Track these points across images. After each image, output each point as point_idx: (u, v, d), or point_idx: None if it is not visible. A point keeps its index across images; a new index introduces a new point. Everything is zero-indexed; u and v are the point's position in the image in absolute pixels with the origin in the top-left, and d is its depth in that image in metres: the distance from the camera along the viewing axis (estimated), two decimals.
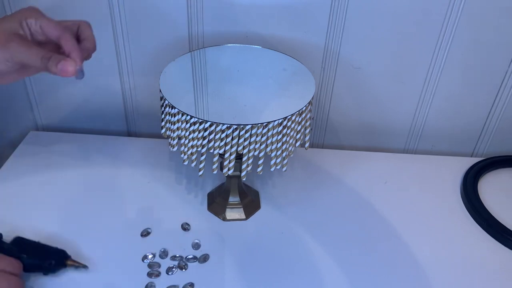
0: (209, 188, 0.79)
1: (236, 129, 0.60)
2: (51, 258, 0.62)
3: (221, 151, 0.62)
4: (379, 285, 0.65)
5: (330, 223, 0.74)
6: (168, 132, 0.66)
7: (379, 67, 0.83)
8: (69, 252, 0.64)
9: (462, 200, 0.80)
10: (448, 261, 0.69)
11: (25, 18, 0.55)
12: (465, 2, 0.75)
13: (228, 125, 0.59)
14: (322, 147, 0.94)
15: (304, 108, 0.63)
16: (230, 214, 0.74)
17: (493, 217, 0.75)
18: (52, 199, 0.75)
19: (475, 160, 0.87)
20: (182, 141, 0.63)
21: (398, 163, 0.87)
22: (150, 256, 0.67)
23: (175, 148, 0.66)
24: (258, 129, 0.60)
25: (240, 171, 0.64)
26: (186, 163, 0.65)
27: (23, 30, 0.56)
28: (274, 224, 0.74)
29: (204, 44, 0.82)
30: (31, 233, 0.68)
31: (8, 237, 0.63)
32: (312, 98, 0.65)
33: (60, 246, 0.65)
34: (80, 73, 0.54)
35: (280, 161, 0.64)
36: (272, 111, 0.62)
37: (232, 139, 0.61)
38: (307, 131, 0.68)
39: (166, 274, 0.65)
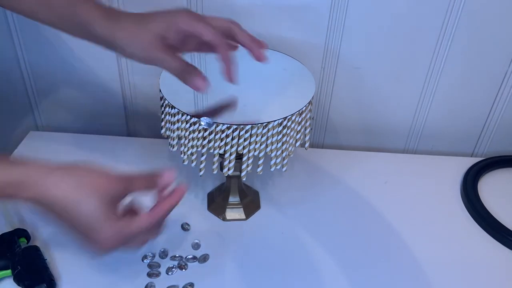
0: (209, 188, 0.79)
1: (236, 129, 0.60)
2: (43, 282, 0.60)
3: (221, 151, 0.62)
4: (379, 285, 0.65)
5: (330, 223, 0.74)
6: (168, 132, 0.66)
7: (379, 67, 0.83)
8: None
9: (462, 200, 0.80)
10: (448, 261, 0.69)
11: (177, 25, 0.55)
12: (465, 2, 0.75)
13: (228, 125, 0.59)
14: (322, 147, 0.94)
15: (304, 108, 0.63)
16: (230, 214, 0.74)
17: (493, 217, 0.75)
18: None
19: (475, 160, 0.87)
20: (182, 141, 0.63)
21: (398, 163, 0.87)
22: (150, 257, 0.67)
23: (175, 148, 0.66)
24: (258, 129, 0.60)
25: (240, 171, 0.64)
26: (186, 163, 0.65)
27: (170, 35, 0.55)
28: (274, 224, 0.74)
29: None
30: (31, 233, 0.68)
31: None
32: (312, 98, 0.65)
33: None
34: (209, 124, 0.58)
35: (280, 161, 0.64)
36: (272, 111, 0.62)
37: (232, 139, 0.61)
38: (307, 131, 0.68)
39: (166, 274, 0.65)
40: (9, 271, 0.62)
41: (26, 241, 0.66)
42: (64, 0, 0.58)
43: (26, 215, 0.71)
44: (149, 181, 0.55)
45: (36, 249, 0.64)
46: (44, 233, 0.69)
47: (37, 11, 0.59)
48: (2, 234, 0.66)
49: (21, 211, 0.72)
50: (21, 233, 0.66)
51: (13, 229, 0.67)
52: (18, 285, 0.60)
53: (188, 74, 0.55)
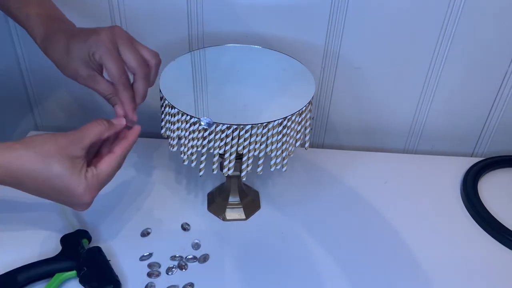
0: (209, 188, 0.79)
1: (236, 129, 0.60)
2: (110, 284, 0.61)
3: (221, 151, 0.62)
4: (379, 285, 0.65)
5: (330, 223, 0.74)
6: (168, 132, 0.66)
7: (379, 67, 0.83)
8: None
9: (462, 200, 0.80)
10: (448, 261, 0.69)
11: (92, 54, 0.58)
12: (465, 2, 0.75)
13: (228, 125, 0.59)
14: (322, 147, 0.94)
15: (304, 108, 0.63)
16: (230, 214, 0.74)
17: (493, 217, 0.75)
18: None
19: (475, 160, 0.87)
20: (182, 141, 0.63)
21: (398, 163, 0.87)
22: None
23: (175, 148, 0.66)
24: (258, 129, 0.60)
25: (240, 171, 0.64)
26: (186, 163, 0.65)
27: (92, 62, 0.59)
28: (274, 224, 0.74)
29: (204, 44, 0.82)
30: (31, 233, 0.68)
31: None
32: (312, 98, 0.65)
33: (60, 246, 0.65)
34: (209, 125, 0.59)
35: (280, 161, 0.64)
36: (272, 111, 0.62)
37: (232, 139, 0.61)
38: (307, 131, 0.68)
39: (166, 274, 0.65)
40: (74, 273, 0.62)
41: (88, 242, 0.67)
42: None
43: (85, 216, 0.72)
44: (102, 128, 0.57)
45: (99, 250, 0.65)
46: (103, 233, 0.70)
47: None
48: (66, 235, 0.66)
49: (80, 212, 0.72)
50: (83, 234, 0.67)
51: (74, 230, 0.67)
52: (84, 286, 0.61)
53: (113, 103, 0.61)
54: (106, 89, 0.60)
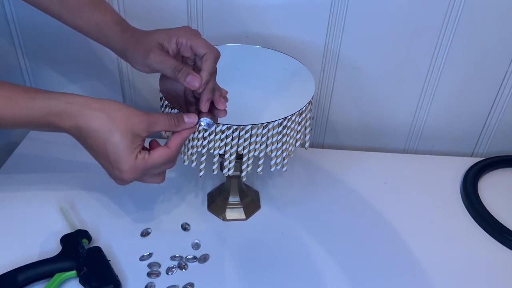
0: (209, 188, 0.79)
1: (236, 129, 0.60)
2: (110, 284, 0.61)
3: (221, 151, 0.62)
4: (379, 285, 0.65)
5: (330, 223, 0.74)
6: (168, 133, 0.66)
7: (379, 67, 0.83)
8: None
9: (462, 200, 0.80)
10: (448, 260, 0.69)
11: (177, 37, 0.60)
12: (465, 2, 0.75)
13: (228, 125, 0.59)
14: (322, 147, 0.94)
15: (304, 108, 0.63)
16: (230, 214, 0.74)
17: (493, 217, 0.75)
18: (51, 199, 0.75)
19: (475, 160, 0.87)
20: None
21: (398, 163, 0.87)
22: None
23: None
24: (258, 129, 0.60)
25: (240, 171, 0.64)
26: (186, 163, 0.65)
27: (169, 45, 0.61)
28: (274, 224, 0.74)
29: None
30: (41, 233, 0.68)
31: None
32: (312, 98, 0.65)
33: (60, 246, 0.65)
34: (209, 125, 0.59)
35: (280, 161, 0.64)
36: (272, 111, 0.62)
37: (232, 139, 0.61)
38: (307, 131, 0.67)
39: (166, 274, 0.65)
40: (74, 272, 0.62)
41: (88, 242, 0.67)
42: (86, 2, 0.64)
43: (85, 216, 0.72)
44: (172, 122, 0.58)
45: (99, 250, 0.65)
46: (104, 233, 0.70)
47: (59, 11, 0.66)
48: (66, 235, 0.66)
49: (80, 212, 0.73)
50: (83, 234, 0.67)
51: (74, 230, 0.67)
52: (84, 286, 0.61)
53: (183, 73, 0.58)
54: (174, 61, 0.60)
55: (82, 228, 0.68)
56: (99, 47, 0.83)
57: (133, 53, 0.61)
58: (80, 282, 0.61)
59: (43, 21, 0.81)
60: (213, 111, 0.62)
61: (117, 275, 0.62)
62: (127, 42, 0.62)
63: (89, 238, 0.67)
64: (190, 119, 0.59)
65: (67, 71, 0.88)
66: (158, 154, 0.57)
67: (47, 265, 0.62)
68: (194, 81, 0.58)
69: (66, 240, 0.66)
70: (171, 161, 0.59)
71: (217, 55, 0.61)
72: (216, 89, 0.62)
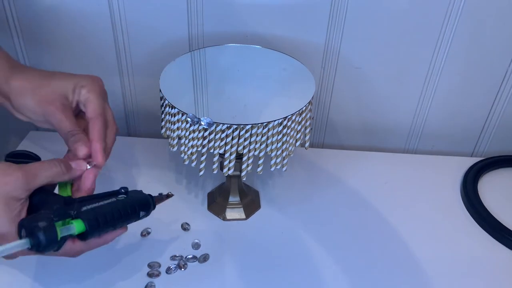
0: (209, 188, 0.79)
1: (236, 129, 0.60)
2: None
3: (221, 151, 0.62)
4: (379, 285, 0.65)
5: (330, 223, 0.74)
6: (168, 132, 0.66)
7: (379, 67, 0.83)
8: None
9: (462, 200, 0.80)
10: (448, 261, 0.69)
11: (80, 86, 0.56)
12: (465, 2, 0.75)
13: (228, 125, 0.59)
14: (322, 147, 0.94)
15: (304, 108, 0.63)
16: (230, 214, 0.74)
17: (493, 217, 0.75)
18: None
19: (475, 160, 0.87)
20: (182, 141, 0.63)
21: (398, 163, 0.87)
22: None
23: (175, 148, 0.66)
24: (258, 129, 0.60)
25: (240, 171, 0.64)
26: (186, 163, 0.65)
27: (72, 95, 0.56)
28: (274, 224, 0.74)
29: (204, 44, 0.82)
30: None
31: None
32: (312, 98, 0.65)
33: None
34: (209, 124, 0.57)
35: (280, 161, 0.64)
36: (272, 111, 0.62)
37: (232, 139, 0.61)
38: (307, 131, 0.68)
39: (166, 274, 0.65)
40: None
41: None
42: None
43: None
44: (60, 169, 0.52)
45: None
46: None
47: None
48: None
49: None
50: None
51: None
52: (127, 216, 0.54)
53: (74, 140, 0.54)
54: (71, 125, 0.55)
55: None
56: (99, 46, 0.84)
57: (20, 93, 0.54)
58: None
59: (42, 17, 0.81)
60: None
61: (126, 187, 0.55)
62: (10, 77, 0.55)
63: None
64: (78, 165, 0.53)
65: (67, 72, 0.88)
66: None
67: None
68: (80, 150, 0.53)
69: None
70: None
71: (106, 128, 0.56)
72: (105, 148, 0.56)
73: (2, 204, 0.46)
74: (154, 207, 0.57)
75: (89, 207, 0.51)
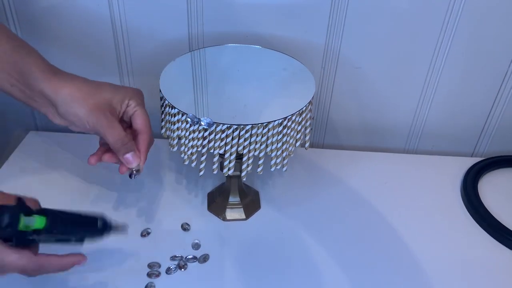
0: (209, 188, 0.79)
1: (236, 129, 0.60)
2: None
3: (221, 151, 0.62)
4: (379, 285, 0.65)
5: (330, 223, 0.74)
6: (168, 132, 0.66)
7: (379, 67, 0.83)
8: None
9: (462, 200, 0.80)
10: (448, 261, 0.69)
11: (129, 98, 0.59)
12: (465, 2, 0.75)
13: (228, 125, 0.59)
14: (322, 147, 0.94)
15: (304, 108, 0.63)
16: (230, 214, 0.74)
17: (493, 217, 0.75)
18: (52, 199, 0.74)
19: (475, 160, 0.87)
20: (182, 141, 0.63)
21: (398, 163, 0.87)
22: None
23: (175, 148, 0.66)
24: (258, 129, 0.60)
25: (240, 171, 0.64)
26: (186, 163, 0.65)
27: (121, 106, 0.59)
28: (274, 224, 0.74)
29: (204, 44, 0.82)
30: None
31: None
32: (312, 98, 0.65)
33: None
34: (209, 125, 0.59)
35: (280, 161, 0.64)
36: (272, 111, 0.62)
37: (232, 139, 0.61)
38: (307, 131, 0.67)
39: (166, 274, 0.65)
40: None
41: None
42: (8, 46, 0.57)
43: None
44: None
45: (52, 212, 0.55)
46: None
47: None
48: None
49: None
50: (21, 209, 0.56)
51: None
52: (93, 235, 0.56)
53: (126, 148, 0.58)
54: (122, 135, 0.58)
55: None
56: (99, 47, 0.84)
57: (69, 101, 0.56)
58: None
59: (42, 17, 0.81)
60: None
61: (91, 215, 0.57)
62: (58, 85, 0.56)
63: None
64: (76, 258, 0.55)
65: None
66: (22, 259, 0.50)
67: None
68: (132, 161, 0.59)
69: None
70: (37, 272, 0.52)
71: (150, 141, 0.62)
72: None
73: None
74: (110, 229, 0.57)
75: (54, 209, 0.54)
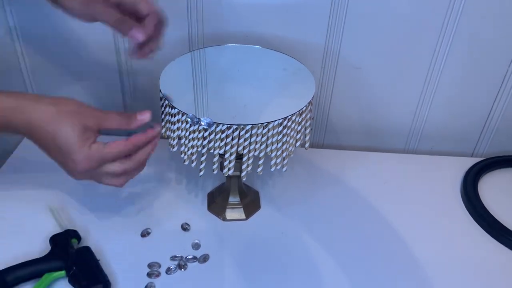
0: (209, 188, 0.79)
1: (236, 129, 0.60)
2: (99, 283, 0.61)
3: (221, 151, 0.62)
4: (379, 285, 0.65)
5: (330, 223, 0.74)
6: (168, 132, 0.66)
7: (379, 67, 0.83)
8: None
9: (462, 200, 0.80)
10: (448, 261, 0.69)
11: None
12: (465, 2, 0.75)
13: (228, 125, 0.59)
14: (322, 147, 0.94)
15: (304, 108, 0.63)
16: (230, 214, 0.74)
17: (493, 217, 0.75)
18: (52, 199, 0.75)
19: (475, 160, 0.87)
20: (182, 141, 0.63)
21: (398, 163, 0.87)
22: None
23: (175, 148, 0.66)
24: (258, 129, 0.60)
25: (240, 171, 0.64)
26: (186, 163, 0.65)
27: None
28: (274, 224, 0.74)
29: (204, 44, 0.82)
30: (30, 233, 0.68)
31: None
32: (312, 98, 0.65)
33: (49, 246, 0.65)
34: (209, 125, 0.59)
35: (280, 161, 0.64)
36: (272, 111, 0.62)
37: (232, 139, 0.61)
38: (307, 131, 0.67)
39: (166, 274, 0.65)
40: (63, 272, 0.62)
41: (77, 241, 0.67)
42: None
43: (85, 215, 0.72)
44: (124, 120, 0.59)
45: (88, 250, 0.64)
46: (94, 234, 0.70)
47: None
48: (55, 235, 0.66)
49: (70, 212, 0.73)
50: (72, 234, 0.67)
51: (63, 230, 0.67)
52: (74, 286, 0.61)
53: (125, 25, 0.59)
54: (117, 15, 0.60)
55: (72, 228, 0.68)
56: (99, 46, 0.84)
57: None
58: (69, 282, 0.61)
59: (43, 22, 0.81)
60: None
61: (106, 275, 0.62)
62: None
63: (78, 238, 0.67)
64: (143, 115, 0.59)
65: (67, 72, 0.88)
66: (115, 145, 0.57)
67: (36, 265, 0.62)
68: (137, 33, 0.59)
69: (55, 240, 0.66)
70: (127, 152, 0.58)
71: (160, 18, 0.61)
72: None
73: (79, 130, 0.54)
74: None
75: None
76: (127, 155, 0.58)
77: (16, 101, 0.55)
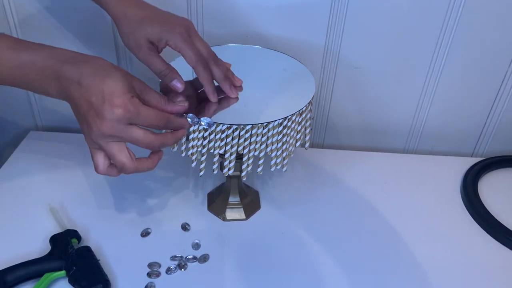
0: (209, 188, 0.79)
1: (236, 129, 0.60)
2: (99, 283, 0.61)
3: (221, 151, 0.62)
4: (379, 285, 0.65)
5: (330, 223, 0.74)
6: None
7: (379, 67, 0.83)
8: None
9: (462, 200, 0.80)
10: (448, 261, 0.69)
11: (167, 40, 0.61)
12: (465, 2, 0.75)
13: (228, 125, 0.59)
14: (322, 147, 0.94)
15: (304, 108, 0.63)
16: (230, 214, 0.74)
17: (493, 217, 0.75)
18: (52, 199, 0.75)
19: (475, 160, 0.87)
20: (182, 141, 0.63)
21: (398, 163, 0.87)
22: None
23: (175, 148, 0.66)
24: (258, 129, 0.60)
25: (240, 171, 0.64)
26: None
27: (158, 43, 0.62)
28: (274, 224, 0.74)
29: None
30: (30, 233, 0.68)
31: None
32: (312, 98, 0.65)
33: (49, 246, 0.65)
34: (209, 125, 0.59)
35: (280, 161, 0.64)
36: (272, 111, 0.62)
37: (232, 139, 0.61)
38: (307, 131, 0.68)
39: (166, 274, 0.65)
40: (63, 272, 0.62)
41: (77, 241, 0.67)
42: None
43: (85, 215, 0.72)
44: (163, 100, 0.58)
45: (88, 250, 0.65)
46: (94, 233, 0.70)
47: None
48: (55, 235, 0.66)
49: (70, 212, 0.73)
50: (72, 233, 0.67)
51: (63, 230, 0.67)
52: (74, 286, 0.61)
53: (168, 78, 0.61)
54: (161, 65, 0.62)
55: (72, 228, 0.68)
56: (99, 46, 0.84)
57: (124, 34, 0.63)
58: (69, 281, 0.61)
59: (42, 17, 0.81)
60: (222, 101, 0.64)
61: (106, 275, 0.62)
62: (121, 12, 0.63)
63: (78, 237, 0.67)
64: (177, 83, 0.61)
65: None
66: (152, 108, 0.56)
67: (36, 265, 0.62)
68: (177, 84, 0.61)
69: (55, 240, 0.66)
70: (156, 122, 0.56)
71: (204, 66, 0.62)
72: (225, 79, 0.64)
73: (128, 81, 0.55)
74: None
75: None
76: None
77: (71, 53, 0.56)
